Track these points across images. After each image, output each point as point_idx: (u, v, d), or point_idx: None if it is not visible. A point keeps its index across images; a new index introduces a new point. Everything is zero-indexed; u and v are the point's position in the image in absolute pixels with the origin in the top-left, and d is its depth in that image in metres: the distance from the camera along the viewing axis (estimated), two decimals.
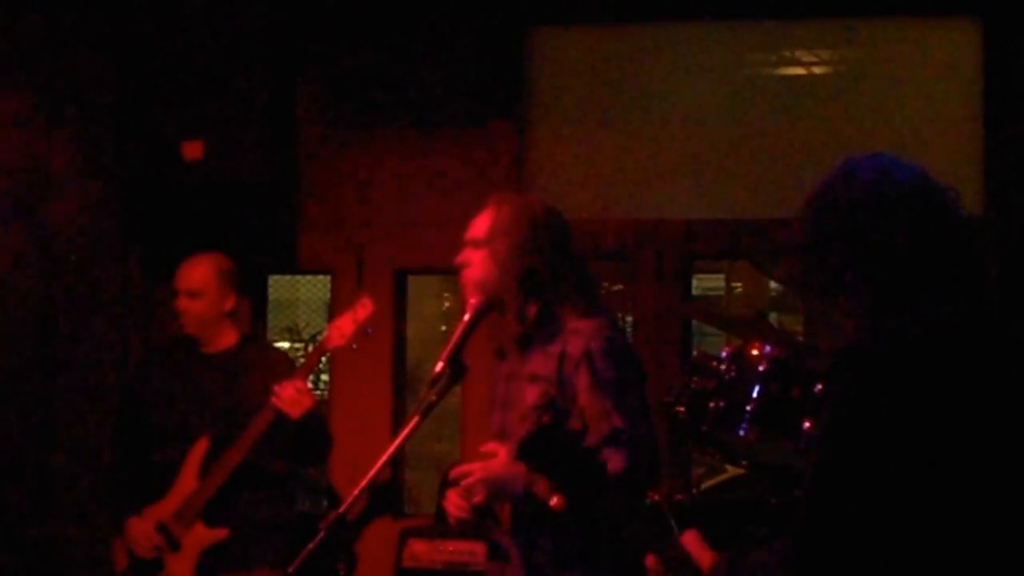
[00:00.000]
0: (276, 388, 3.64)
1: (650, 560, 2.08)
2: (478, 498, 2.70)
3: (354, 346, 3.74)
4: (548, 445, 2.05)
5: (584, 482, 2.02)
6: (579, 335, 2.79)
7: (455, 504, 2.80)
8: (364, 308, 3.72)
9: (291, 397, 3.63)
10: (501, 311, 2.87)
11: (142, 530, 3.79)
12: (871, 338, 1.84)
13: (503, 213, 2.90)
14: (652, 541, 2.05)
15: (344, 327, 3.70)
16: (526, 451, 2.08)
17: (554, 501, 2.07)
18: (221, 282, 3.90)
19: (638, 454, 2.68)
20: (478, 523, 2.80)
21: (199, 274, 3.89)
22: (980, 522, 1.74)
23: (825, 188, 1.97)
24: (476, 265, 2.88)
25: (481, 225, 2.92)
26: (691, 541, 2.06)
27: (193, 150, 4.57)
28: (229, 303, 3.91)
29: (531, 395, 2.76)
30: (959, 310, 1.84)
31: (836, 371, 1.84)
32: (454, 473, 2.75)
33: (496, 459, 2.65)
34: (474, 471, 2.69)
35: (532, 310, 2.84)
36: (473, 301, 2.82)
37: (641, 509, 2.55)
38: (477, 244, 2.90)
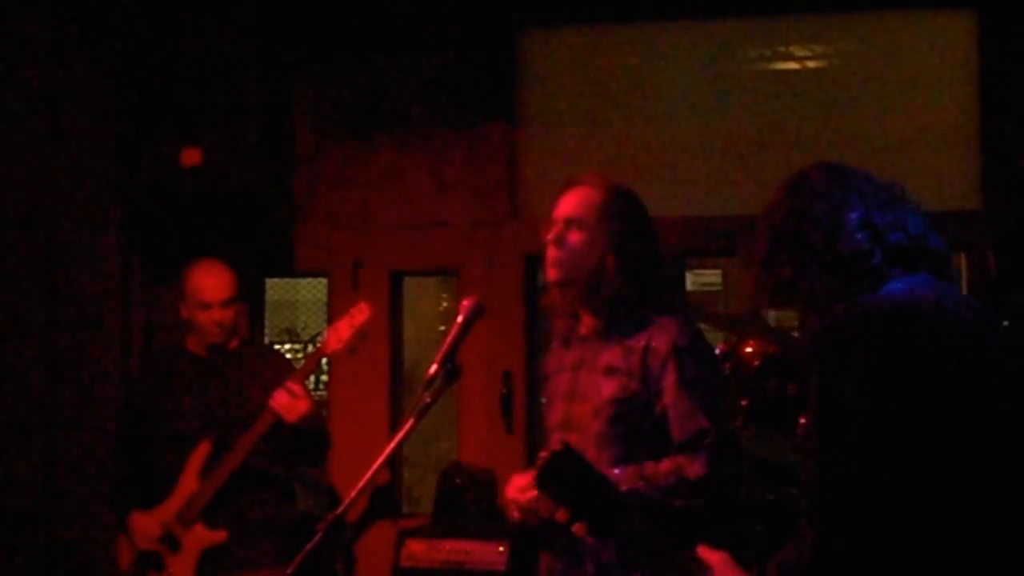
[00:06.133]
0: (272, 394, 3.68)
1: None
2: (543, 513, 2.59)
3: (352, 350, 3.77)
4: (563, 471, 2.03)
5: (603, 506, 2.01)
6: (665, 330, 2.68)
7: (517, 490, 2.71)
8: (361, 313, 3.76)
9: (286, 402, 3.66)
10: (578, 297, 2.74)
11: (144, 524, 3.82)
12: (845, 313, 1.90)
13: (609, 195, 2.76)
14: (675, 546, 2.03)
15: (341, 332, 3.74)
16: (542, 479, 2.06)
17: (576, 527, 2.06)
18: (241, 287, 3.95)
19: (720, 458, 2.61)
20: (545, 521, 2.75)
21: (232, 281, 3.90)
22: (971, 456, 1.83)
23: (776, 201, 2.05)
24: (573, 246, 2.74)
25: (585, 205, 2.75)
26: (720, 563, 2.03)
27: (192, 157, 4.60)
28: (241, 307, 3.98)
29: (608, 388, 2.69)
30: (922, 286, 1.93)
31: (818, 346, 1.88)
32: (517, 482, 2.69)
33: None
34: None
35: (616, 299, 2.71)
36: (466, 303, 2.78)
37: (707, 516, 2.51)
38: (578, 224, 2.74)
